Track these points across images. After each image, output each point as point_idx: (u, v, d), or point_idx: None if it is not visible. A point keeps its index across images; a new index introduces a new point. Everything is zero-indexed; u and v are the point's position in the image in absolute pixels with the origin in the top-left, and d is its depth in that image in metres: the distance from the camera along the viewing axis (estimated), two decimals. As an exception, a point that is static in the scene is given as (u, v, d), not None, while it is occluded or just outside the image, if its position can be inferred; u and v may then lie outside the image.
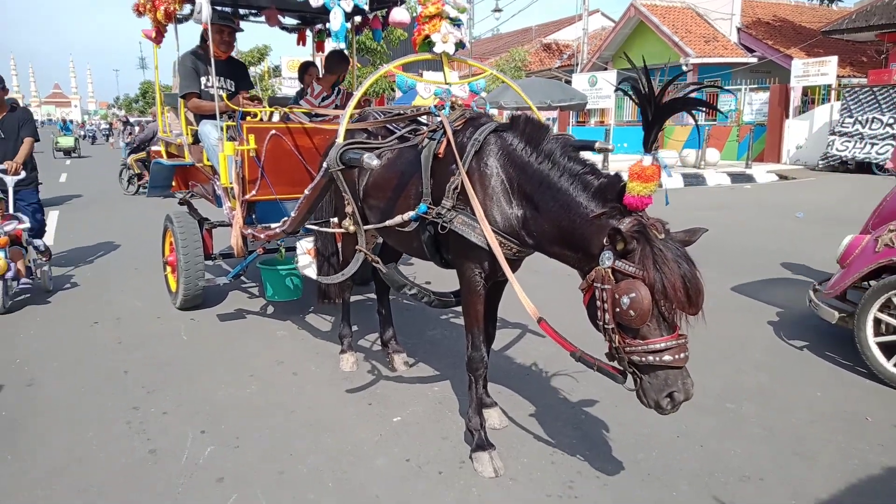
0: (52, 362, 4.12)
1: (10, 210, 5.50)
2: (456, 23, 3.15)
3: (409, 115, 3.33)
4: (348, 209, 3.23)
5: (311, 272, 4.58)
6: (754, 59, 21.22)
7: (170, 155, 5.86)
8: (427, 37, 3.12)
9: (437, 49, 3.12)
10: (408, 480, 2.79)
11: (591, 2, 24.99)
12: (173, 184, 5.89)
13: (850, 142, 15.62)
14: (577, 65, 24.90)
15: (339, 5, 4.28)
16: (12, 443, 3.11)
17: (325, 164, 3.19)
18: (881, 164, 14.98)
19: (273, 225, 4.48)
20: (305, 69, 5.59)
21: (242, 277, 5.98)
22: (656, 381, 2.24)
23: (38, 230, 5.91)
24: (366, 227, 3.26)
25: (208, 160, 4.84)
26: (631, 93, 2.23)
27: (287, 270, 5.04)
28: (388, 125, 3.44)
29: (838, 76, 17.50)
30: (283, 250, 4.88)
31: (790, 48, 20.34)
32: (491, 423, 3.20)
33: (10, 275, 5.03)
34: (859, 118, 15.49)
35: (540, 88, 15.91)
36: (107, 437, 3.16)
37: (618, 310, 2.18)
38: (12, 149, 5.76)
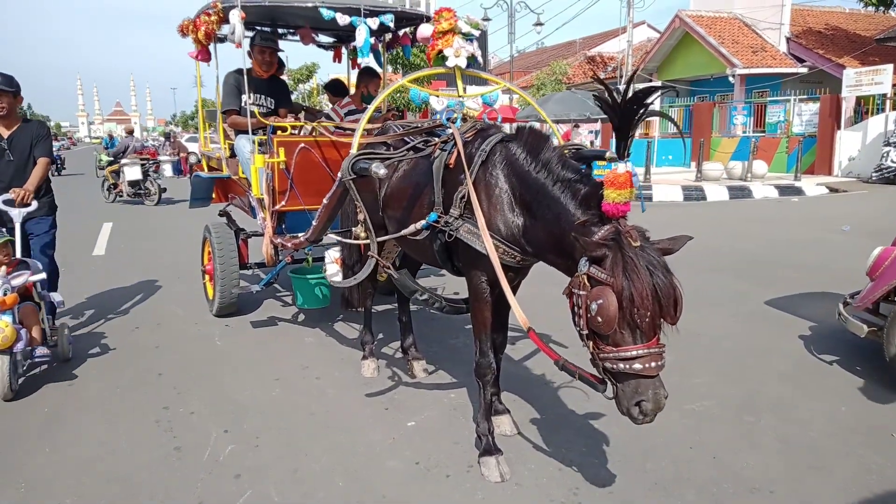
0: (95, 363, 4.37)
1: (19, 253, 4.21)
2: (468, 38, 3.25)
3: (425, 129, 3.44)
4: (360, 217, 3.36)
5: (340, 280, 4.72)
6: (804, 70, 20.67)
7: (210, 168, 6.13)
8: (440, 51, 3.23)
9: (450, 63, 3.23)
10: (415, 482, 2.87)
11: (637, 14, 24.78)
12: (213, 195, 6.15)
13: (905, 153, 15.03)
14: (621, 77, 24.73)
15: (364, 23, 4.46)
16: (52, 436, 3.33)
17: (339, 175, 3.33)
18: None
19: (300, 235, 4.65)
20: (333, 87, 5.79)
21: (276, 286, 6.20)
22: (628, 390, 2.23)
23: (49, 275, 4.41)
24: (380, 237, 3.37)
25: (243, 173, 5.06)
26: (600, 105, 2.29)
27: (316, 279, 5.20)
28: (405, 138, 3.55)
29: (894, 85, 16.88)
30: (311, 259, 5.05)
31: (842, 57, 19.74)
32: (502, 429, 3.26)
33: (20, 346, 3.70)
34: (916, 128, 14.89)
35: (581, 101, 15.87)
36: (137, 433, 3.34)
37: (589, 316, 2.21)
38: (23, 171, 4.53)
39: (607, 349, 2.24)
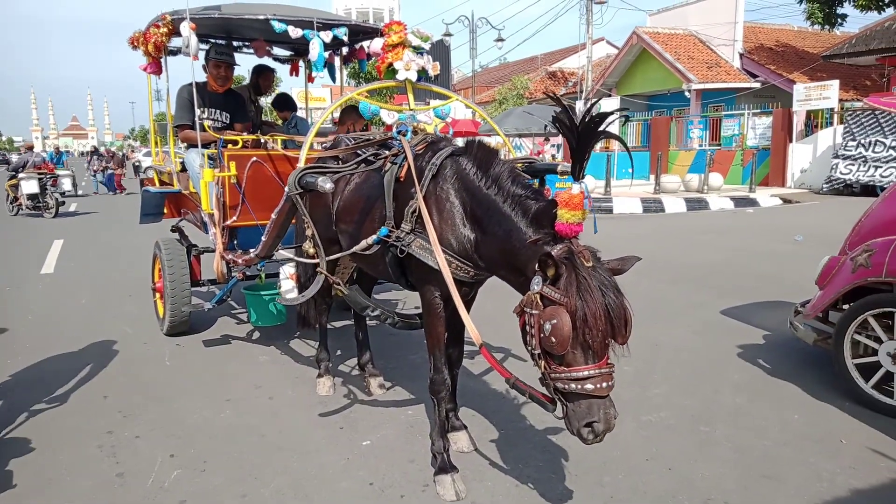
0: (38, 385, 4.16)
1: None
2: (419, 51, 3.23)
3: (375, 142, 3.40)
4: (308, 232, 3.29)
5: (295, 298, 4.62)
6: (757, 84, 21.33)
7: (162, 183, 5.98)
8: (390, 64, 3.20)
9: (400, 76, 3.21)
10: (368, 503, 2.79)
11: (595, 30, 25.26)
12: (165, 211, 5.99)
13: (853, 165, 15.59)
14: (581, 92, 25.14)
15: (317, 36, 4.40)
16: (-15, 466, 3.15)
17: (286, 189, 3.26)
18: (885, 186, 14.89)
19: (252, 250, 4.55)
20: (279, 102, 5.71)
21: (231, 303, 6.05)
22: (579, 410, 2.21)
23: None
24: (333, 254, 3.29)
25: (194, 187, 4.93)
26: (558, 125, 2.28)
27: (270, 295, 5.09)
28: (357, 151, 3.50)
29: (841, 100, 17.52)
30: (263, 275, 4.94)
31: (792, 72, 20.43)
32: (459, 445, 3.20)
33: None
34: (862, 141, 15.48)
35: (541, 115, 16.06)
36: (78, 459, 3.19)
37: (542, 335, 2.19)
38: None
39: (559, 369, 2.22)
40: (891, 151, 14.95)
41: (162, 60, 5.24)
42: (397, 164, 2.99)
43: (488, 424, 3.53)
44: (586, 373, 2.18)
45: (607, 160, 16.33)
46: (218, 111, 5.11)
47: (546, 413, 3.54)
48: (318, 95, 30.47)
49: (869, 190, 15.34)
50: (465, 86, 32.99)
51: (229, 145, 4.47)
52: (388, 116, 3.20)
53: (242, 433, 3.46)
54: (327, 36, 4.45)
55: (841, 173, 15.78)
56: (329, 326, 4.30)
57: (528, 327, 2.27)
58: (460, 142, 3.53)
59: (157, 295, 5.46)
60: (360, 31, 5.09)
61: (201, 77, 5.18)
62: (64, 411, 3.78)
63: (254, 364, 4.58)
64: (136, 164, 37.54)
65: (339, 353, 4.70)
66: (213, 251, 5.11)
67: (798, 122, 18.00)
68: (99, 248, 10.03)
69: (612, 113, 2.28)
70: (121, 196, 21.51)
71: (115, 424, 3.58)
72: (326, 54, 4.82)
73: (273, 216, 3.57)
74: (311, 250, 3.28)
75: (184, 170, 5.20)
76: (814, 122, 18.44)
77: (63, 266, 8.48)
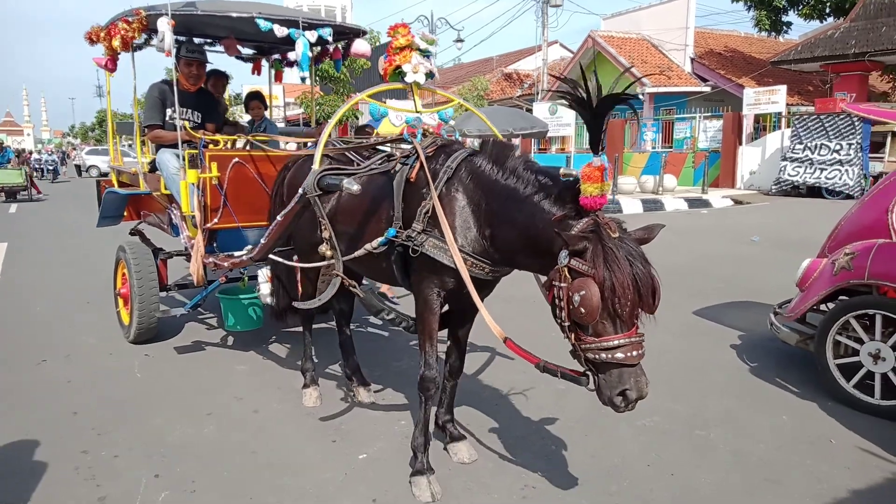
0: (-4, 403, 3.89)
1: None
2: (425, 54, 3.16)
3: (379, 142, 3.31)
4: (325, 234, 3.18)
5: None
6: (707, 89, 21.94)
7: (122, 184, 5.70)
8: (398, 67, 3.12)
9: (408, 79, 3.15)
10: (374, 521, 2.69)
11: (550, 33, 25.56)
12: (125, 213, 5.72)
13: (800, 167, 16.19)
14: (538, 94, 25.37)
15: (303, 36, 4.26)
16: (-53, 494, 2.90)
17: (300, 191, 3.14)
18: (830, 188, 15.55)
19: (237, 253, 4.37)
20: (250, 100, 5.53)
21: (199, 308, 5.80)
22: (610, 379, 2.27)
23: None
24: (340, 258, 3.18)
25: (166, 188, 4.70)
26: (567, 102, 2.31)
27: (249, 299, 4.90)
28: (346, 153, 3.41)
29: (787, 104, 18.19)
30: (247, 278, 4.76)
31: (741, 77, 21.10)
32: (459, 456, 3.14)
33: None
34: (808, 144, 16.09)
35: (503, 117, 16.08)
36: (53, 484, 2.97)
37: (571, 307, 2.23)
38: None
39: (589, 340, 2.26)
40: (835, 154, 15.59)
41: (124, 56, 5.00)
42: (408, 166, 2.92)
43: (486, 432, 3.46)
44: (616, 342, 2.23)
45: (566, 162, 16.53)
46: (190, 111, 4.89)
47: (543, 418, 3.58)
48: (276, 94, 29.92)
49: (815, 191, 15.99)
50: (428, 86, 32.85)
51: (210, 145, 4.27)
52: (396, 119, 3.12)
53: (229, 450, 3.29)
54: (312, 36, 4.31)
55: (789, 175, 16.37)
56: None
57: (556, 300, 2.30)
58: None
59: (122, 301, 5.20)
60: (340, 32, 4.96)
61: (160, 76, 4.98)
62: (31, 430, 3.51)
63: (232, 374, 4.39)
64: (80, 163, 35.73)
65: (317, 359, 4.54)
66: (185, 255, 4.90)
67: (747, 126, 18.61)
68: (46, 253, 9.52)
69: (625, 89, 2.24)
70: (56, 188, 20.86)
71: (89, 444, 3.35)
72: (311, 54, 4.66)
73: (279, 218, 3.43)
74: (329, 252, 3.16)
75: (153, 170, 4.96)
76: (761, 125, 19.10)
77: (11, 271, 8.01)
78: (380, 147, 3.38)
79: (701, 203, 15.71)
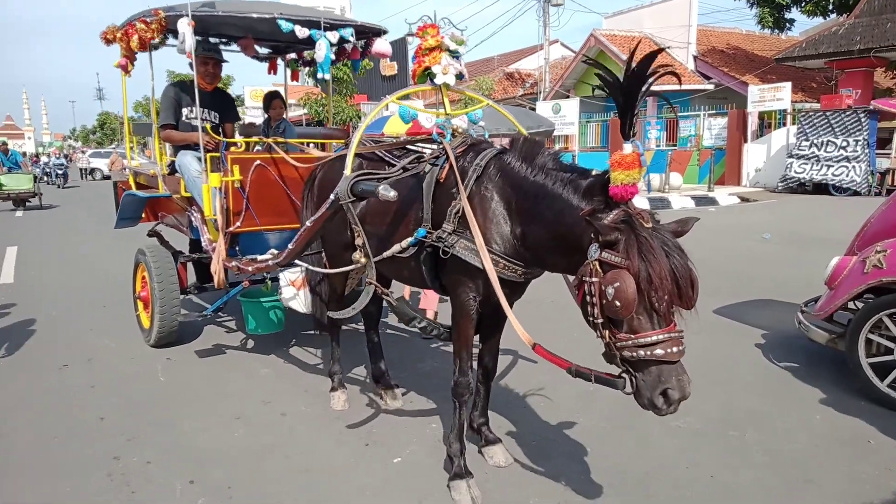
0: (22, 412, 3.84)
1: None
2: (455, 54, 3.12)
3: (406, 141, 3.27)
4: (358, 241, 3.13)
5: (297, 304, 4.42)
6: (711, 86, 21.88)
7: (139, 186, 5.67)
8: (427, 68, 3.08)
9: (438, 80, 3.10)
10: (417, 526, 2.66)
11: (552, 32, 25.53)
12: (142, 215, 5.69)
13: (807, 164, 16.16)
14: (540, 93, 25.33)
15: (324, 37, 4.23)
16: (-19, 502, 2.87)
17: (332, 196, 3.10)
18: (837, 185, 15.52)
19: (260, 257, 4.34)
20: (271, 100, 5.46)
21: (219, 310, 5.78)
22: (650, 378, 2.14)
23: None
24: (376, 258, 3.14)
25: (186, 191, 4.67)
26: (600, 87, 2.23)
27: (271, 303, 4.87)
28: (377, 153, 3.38)
29: (793, 101, 18.16)
30: (270, 282, 4.72)
31: (745, 75, 21.05)
32: (496, 460, 3.11)
33: None
34: (815, 141, 16.05)
35: (511, 114, 16.06)
36: (86, 491, 2.94)
37: (605, 302, 2.11)
38: None
39: (625, 337, 2.14)
40: (841, 151, 15.56)
41: (139, 57, 4.98)
42: (437, 166, 2.89)
43: (517, 435, 3.43)
44: (655, 338, 2.10)
45: (571, 160, 16.48)
46: (207, 111, 4.86)
47: (573, 420, 3.55)
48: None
49: (821, 188, 15.95)
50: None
51: (232, 147, 4.24)
52: (426, 120, 3.09)
53: (262, 454, 3.26)
54: (334, 36, 4.28)
55: (795, 172, 16.33)
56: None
57: (588, 297, 2.18)
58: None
59: (142, 305, 5.17)
60: (360, 31, 4.92)
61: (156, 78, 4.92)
62: (59, 436, 3.49)
63: (256, 377, 4.36)
64: (85, 167, 35.03)
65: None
66: (206, 259, 4.87)
67: (752, 123, 18.56)
68: (57, 255, 9.49)
69: (655, 70, 2.18)
70: (66, 194, 20.25)
71: (120, 449, 3.32)
72: (333, 56, 4.63)
73: (308, 224, 3.39)
74: (363, 259, 3.12)
75: (171, 173, 4.93)
76: (766, 122, 19.06)
77: (23, 275, 7.98)
78: (410, 147, 3.35)
79: (708, 201, 15.67)
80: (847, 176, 15.40)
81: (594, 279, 2.15)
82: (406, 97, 3.65)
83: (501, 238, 2.68)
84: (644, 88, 2.19)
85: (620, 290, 2.05)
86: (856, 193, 15.18)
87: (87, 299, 6.53)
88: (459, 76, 3.14)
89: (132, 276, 5.35)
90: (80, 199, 20.23)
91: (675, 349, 2.12)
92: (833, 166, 15.63)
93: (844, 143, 15.53)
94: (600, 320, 2.17)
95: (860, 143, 15.29)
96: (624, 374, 2.24)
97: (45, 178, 24.83)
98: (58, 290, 7.09)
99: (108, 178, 28.73)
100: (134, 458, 3.24)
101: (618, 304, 2.07)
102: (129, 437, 3.47)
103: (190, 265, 5.45)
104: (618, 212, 2.20)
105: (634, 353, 2.12)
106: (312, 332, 4.82)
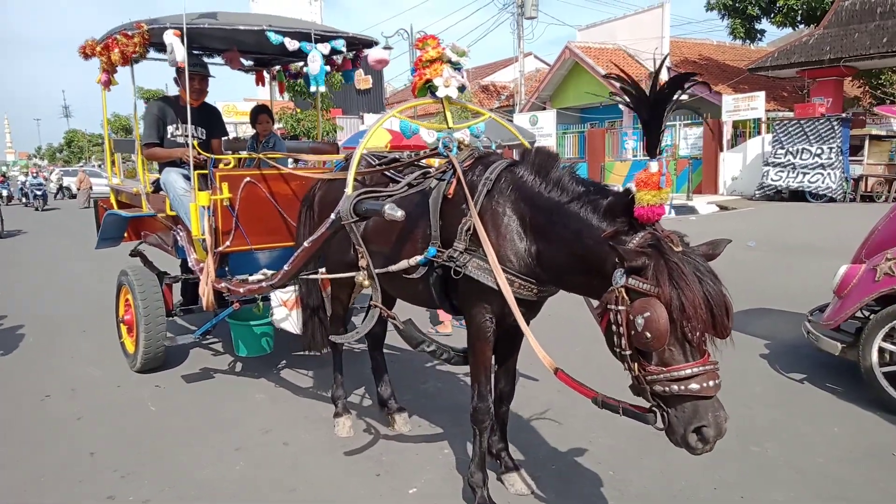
0: (3, 448, 3.59)
1: None
2: (456, 67, 3.00)
3: (415, 159, 3.13)
4: (362, 262, 2.97)
5: (289, 325, 4.25)
6: (685, 97, 22.12)
7: (121, 205, 5.44)
8: (428, 81, 2.95)
9: (440, 93, 2.98)
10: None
11: (526, 45, 25.71)
12: (125, 234, 5.46)
13: (783, 172, 16.38)
14: (516, 105, 25.43)
15: (315, 49, 4.08)
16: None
17: (333, 216, 2.94)
18: (813, 191, 15.75)
19: (251, 277, 4.15)
20: (257, 114, 5.27)
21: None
22: (683, 415, 1.97)
23: None
24: (378, 271, 2.99)
25: (172, 210, 4.47)
26: (624, 99, 2.08)
27: (261, 326, 4.67)
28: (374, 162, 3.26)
29: (766, 110, 18.44)
30: (262, 303, 4.53)
31: (718, 85, 21.36)
32: (517, 488, 2.97)
33: None
34: (790, 149, 16.29)
35: (490, 128, 16.01)
36: (80, 535, 2.72)
37: (633, 332, 1.96)
38: None
39: (656, 370, 1.98)
40: (816, 158, 15.80)
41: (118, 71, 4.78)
42: (445, 181, 2.75)
43: (536, 459, 3.29)
44: (689, 371, 1.94)
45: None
46: (194, 127, 4.66)
47: (592, 441, 3.42)
48: (242, 110, 29.51)
49: (798, 195, 16.16)
50: (399, 98, 32.81)
51: (220, 164, 4.06)
52: (428, 135, 2.95)
53: (267, 488, 3.07)
54: (325, 48, 4.14)
55: (772, 180, 16.55)
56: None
57: (614, 326, 2.03)
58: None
59: (125, 329, 4.93)
60: (353, 43, 4.79)
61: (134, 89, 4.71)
62: (48, 473, 3.25)
63: (251, 403, 4.15)
64: (57, 184, 33.66)
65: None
66: (192, 279, 4.66)
67: (727, 132, 18.80)
68: (29, 278, 9.13)
69: (683, 79, 2.05)
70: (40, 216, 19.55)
71: (114, 487, 3.10)
72: (328, 67, 4.49)
73: (306, 244, 3.22)
74: (366, 282, 2.96)
75: (156, 191, 4.72)
76: (740, 131, 19.32)
77: (-6, 300, 7.62)
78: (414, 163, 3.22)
79: (688, 210, 15.77)
80: (823, 183, 15.63)
81: (621, 307, 2.00)
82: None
83: (516, 256, 2.54)
84: (671, 105, 2.05)
85: (651, 320, 1.91)
86: (831, 200, 15.41)
87: (66, 325, 6.23)
88: (461, 88, 3.02)
89: (115, 299, 5.11)
90: (60, 225, 18.93)
91: (710, 383, 1.96)
92: (809, 173, 15.86)
93: (819, 151, 15.77)
94: (628, 352, 2.02)
95: (834, 150, 15.55)
96: (654, 409, 2.08)
97: (24, 200, 23.41)
98: (34, 315, 6.76)
99: (74, 196, 27.89)
100: (130, 496, 3.02)
101: (648, 335, 1.92)
102: (122, 473, 3.24)
103: (176, 286, 5.23)
104: (644, 234, 2.07)
105: (667, 388, 1.97)
106: (302, 352, 4.62)
